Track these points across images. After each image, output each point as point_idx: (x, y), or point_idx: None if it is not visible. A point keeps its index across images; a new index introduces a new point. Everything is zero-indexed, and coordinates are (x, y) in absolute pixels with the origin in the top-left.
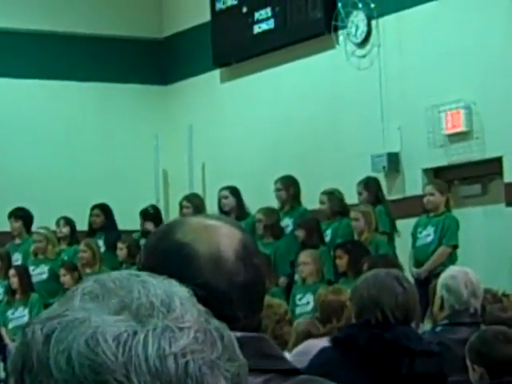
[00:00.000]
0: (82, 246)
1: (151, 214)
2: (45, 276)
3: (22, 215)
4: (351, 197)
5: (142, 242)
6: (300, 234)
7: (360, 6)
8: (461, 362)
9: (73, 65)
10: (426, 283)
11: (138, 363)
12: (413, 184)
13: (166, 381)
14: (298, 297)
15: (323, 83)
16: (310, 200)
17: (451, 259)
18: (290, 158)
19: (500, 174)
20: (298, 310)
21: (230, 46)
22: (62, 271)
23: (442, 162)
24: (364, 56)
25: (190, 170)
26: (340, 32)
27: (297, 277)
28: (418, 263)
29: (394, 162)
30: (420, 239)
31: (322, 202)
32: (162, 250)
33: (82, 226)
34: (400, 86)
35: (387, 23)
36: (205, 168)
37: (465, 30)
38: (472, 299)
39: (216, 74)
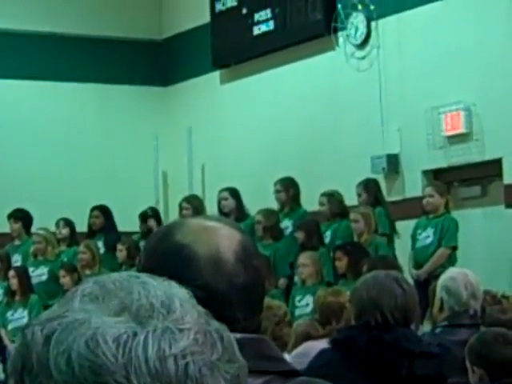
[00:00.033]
0: (81, 248)
1: (150, 217)
2: (44, 277)
3: (22, 216)
4: (351, 198)
5: (142, 243)
6: (300, 235)
7: (360, 7)
8: (460, 364)
9: (73, 66)
10: (425, 285)
11: (137, 364)
12: (412, 185)
13: (165, 382)
14: (298, 298)
15: (323, 85)
16: (310, 201)
17: (450, 261)
18: (289, 160)
19: (499, 175)
20: (297, 312)
21: (230, 48)
22: (62, 272)
23: (442, 163)
24: (363, 57)
25: (189, 171)
26: (340, 33)
27: (296, 278)
28: (418, 265)
29: (393, 164)
30: (419, 241)
31: (321, 204)
32: (161, 251)
33: (81, 227)
34: (399, 87)
35: (387, 25)
36: (204, 169)
37: (464, 31)
38: (471, 301)
39: (216, 75)
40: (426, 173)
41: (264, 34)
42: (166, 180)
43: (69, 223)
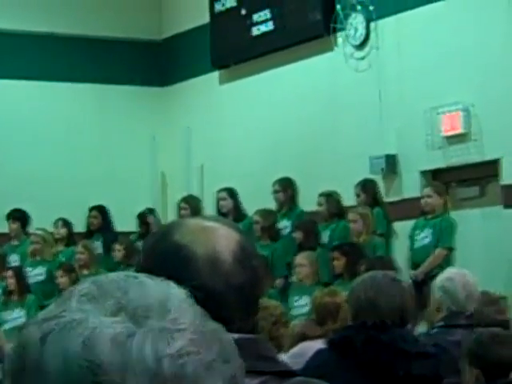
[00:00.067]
0: (79, 248)
1: (148, 217)
2: (42, 277)
3: (20, 216)
4: (349, 199)
5: (139, 243)
6: (298, 235)
7: (359, 8)
8: (457, 364)
9: (72, 66)
10: (422, 285)
11: (134, 364)
12: (411, 186)
13: (162, 382)
14: (295, 298)
15: (322, 85)
16: (308, 202)
17: (448, 261)
18: (288, 160)
19: (498, 176)
20: (294, 312)
21: (229, 48)
22: (60, 273)
23: (440, 164)
24: (363, 58)
25: (187, 172)
26: (339, 34)
27: (293, 278)
28: (416, 265)
29: (391, 164)
30: (417, 241)
31: (319, 204)
32: (159, 251)
33: (79, 227)
34: (398, 88)
35: (386, 25)
36: (203, 169)
37: (463, 32)
38: (469, 301)
39: (215, 75)
40: (424, 173)
41: (263, 34)
42: (164, 180)
43: (66, 223)
